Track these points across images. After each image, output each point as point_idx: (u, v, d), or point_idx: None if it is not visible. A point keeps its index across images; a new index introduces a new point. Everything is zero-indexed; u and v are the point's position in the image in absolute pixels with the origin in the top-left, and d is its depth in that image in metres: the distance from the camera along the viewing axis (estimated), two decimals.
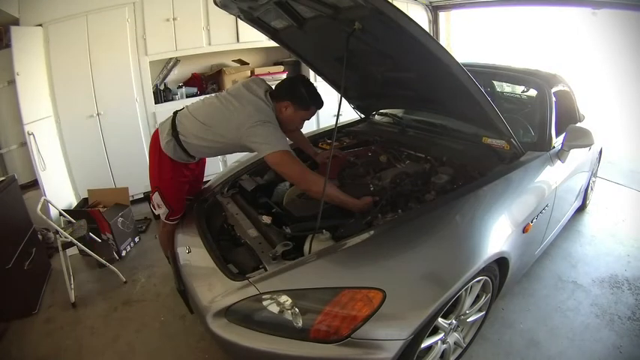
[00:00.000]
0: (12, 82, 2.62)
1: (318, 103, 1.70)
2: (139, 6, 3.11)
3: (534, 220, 1.65)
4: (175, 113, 1.74)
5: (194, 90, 3.69)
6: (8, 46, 2.57)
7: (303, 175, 1.54)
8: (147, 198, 3.17)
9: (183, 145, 1.69)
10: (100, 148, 3.22)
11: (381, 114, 2.61)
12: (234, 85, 1.77)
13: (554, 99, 1.99)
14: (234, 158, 2.41)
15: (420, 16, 4.66)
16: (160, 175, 1.78)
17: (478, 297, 1.55)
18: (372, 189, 1.80)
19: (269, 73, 3.94)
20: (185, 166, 1.83)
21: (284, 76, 4.01)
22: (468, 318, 1.54)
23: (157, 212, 1.85)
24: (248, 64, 3.93)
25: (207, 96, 1.83)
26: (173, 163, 1.76)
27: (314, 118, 4.57)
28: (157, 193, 1.78)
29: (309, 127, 4.06)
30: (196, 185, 2.04)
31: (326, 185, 1.41)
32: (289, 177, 1.63)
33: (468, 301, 1.47)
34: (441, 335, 1.42)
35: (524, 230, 1.58)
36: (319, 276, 1.23)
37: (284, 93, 1.65)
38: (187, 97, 3.58)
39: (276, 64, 4.11)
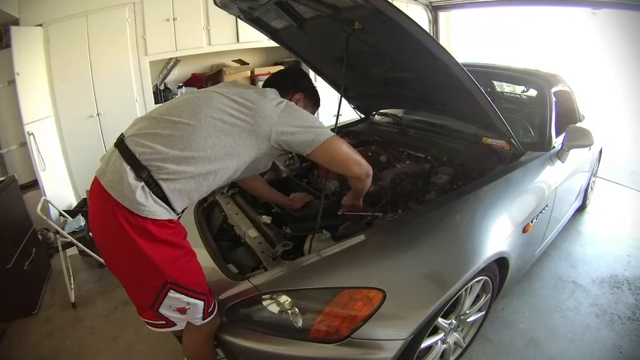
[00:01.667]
0: (12, 82, 2.62)
1: (319, 102, 1.52)
2: (139, 6, 3.11)
3: (534, 220, 1.65)
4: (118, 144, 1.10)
5: (194, 90, 3.69)
6: (8, 46, 2.57)
7: (355, 155, 1.27)
8: None
9: (163, 189, 1.05)
10: (100, 148, 3.21)
11: (381, 114, 2.60)
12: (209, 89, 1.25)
13: (554, 99, 1.99)
14: None
15: (420, 16, 4.65)
16: (164, 256, 1.06)
17: (478, 297, 1.55)
18: (371, 189, 1.80)
19: (269, 73, 3.92)
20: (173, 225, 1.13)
21: None
22: (468, 318, 1.54)
23: (182, 323, 1.19)
24: (248, 64, 3.93)
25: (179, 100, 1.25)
26: (166, 226, 1.08)
27: None
28: (170, 291, 1.08)
29: None
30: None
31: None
32: (342, 160, 1.24)
33: (468, 301, 1.47)
34: (441, 335, 1.42)
35: (524, 230, 1.58)
36: (319, 276, 1.22)
37: (293, 83, 1.37)
38: None
39: (276, 64, 4.11)
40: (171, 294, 1.08)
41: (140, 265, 1.04)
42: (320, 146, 1.16)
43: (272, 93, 1.23)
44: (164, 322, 1.16)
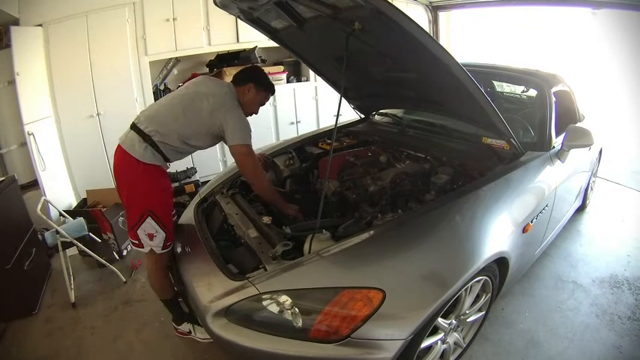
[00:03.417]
0: (12, 82, 2.62)
1: (273, 89, 1.88)
2: (139, 6, 3.11)
3: (534, 220, 1.65)
4: (133, 125, 1.62)
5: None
6: (8, 46, 2.58)
7: (256, 170, 1.72)
8: None
9: (159, 148, 1.57)
10: (100, 148, 3.22)
11: (381, 114, 2.60)
12: (189, 82, 1.82)
13: (554, 99, 1.99)
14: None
15: (420, 16, 4.66)
16: (148, 193, 1.57)
17: (478, 297, 1.55)
18: (371, 189, 1.80)
19: (269, 73, 3.92)
20: (164, 173, 1.67)
21: (284, 76, 4.02)
22: (468, 318, 1.54)
23: (147, 248, 1.60)
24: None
25: (166, 96, 1.79)
26: (157, 172, 1.60)
27: (314, 118, 4.60)
28: (149, 218, 1.55)
29: (309, 127, 4.09)
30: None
31: (326, 184, 1.43)
32: (245, 168, 1.70)
33: (468, 301, 1.47)
34: (441, 335, 1.42)
35: (524, 230, 1.58)
36: (319, 276, 1.23)
37: (247, 78, 1.77)
38: None
39: (276, 64, 4.11)
40: (148, 220, 1.55)
41: (137, 192, 1.56)
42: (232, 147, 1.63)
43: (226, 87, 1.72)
44: (137, 242, 1.60)
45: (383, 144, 2.22)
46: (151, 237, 1.57)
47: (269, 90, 1.84)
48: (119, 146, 1.60)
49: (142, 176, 1.55)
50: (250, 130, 1.67)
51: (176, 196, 3.11)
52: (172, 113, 1.61)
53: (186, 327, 1.83)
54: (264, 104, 1.87)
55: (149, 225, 1.56)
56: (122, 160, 1.58)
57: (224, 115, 1.60)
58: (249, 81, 1.75)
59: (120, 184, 1.62)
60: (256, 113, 1.84)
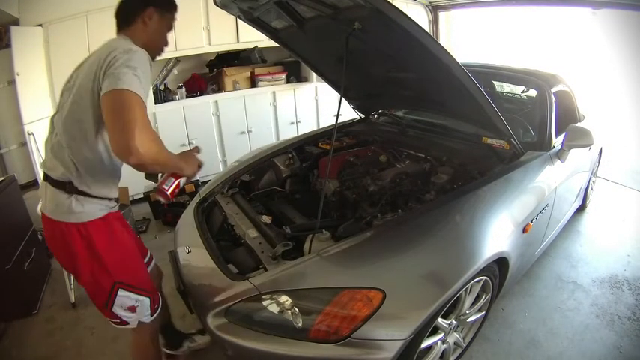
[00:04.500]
0: (12, 82, 2.63)
1: (174, 4, 1.38)
2: None
3: (534, 220, 1.65)
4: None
5: (194, 90, 3.69)
6: (8, 46, 2.58)
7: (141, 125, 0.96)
8: (147, 198, 3.15)
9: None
10: None
11: (381, 114, 2.61)
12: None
13: (554, 99, 1.99)
14: (234, 158, 2.42)
15: (420, 16, 4.66)
16: (111, 256, 1.18)
17: (478, 297, 1.55)
18: (371, 189, 1.80)
19: (269, 73, 3.94)
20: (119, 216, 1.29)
21: (284, 76, 4.01)
22: (468, 318, 1.54)
23: (134, 322, 1.27)
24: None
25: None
26: (112, 221, 1.23)
27: (314, 118, 4.60)
28: (120, 290, 1.20)
29: (309, 127, 4.09)
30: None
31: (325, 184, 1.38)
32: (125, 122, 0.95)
33: (468, 301, 1.47)
34: (441, 335, 1.42)
35: (524, 230, 1.58)
36: (319, 276, 1.23)
37: (139, 3, 1.28)
38: (187, 97, 3.58)
39: (276, 64, 4.12)
40: (121, 292, 1.21)
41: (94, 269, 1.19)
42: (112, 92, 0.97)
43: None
44: (119, 321, 1.27)
45: (383, 144, 2.22)
46: (133, 309, 1.24)
47: (173, 8, 1.36)
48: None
49: (93, 234, 1.15)
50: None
51: (176, 196, 3.09)
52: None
53: (185, 345, 1.65)
54: (171, 29, 1.38)
55: (124, 297, 1.21)
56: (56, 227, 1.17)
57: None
58: (146, 5, 1.27)
59: (65, 251, 1.21)
60: (167, 45, 1.39)
